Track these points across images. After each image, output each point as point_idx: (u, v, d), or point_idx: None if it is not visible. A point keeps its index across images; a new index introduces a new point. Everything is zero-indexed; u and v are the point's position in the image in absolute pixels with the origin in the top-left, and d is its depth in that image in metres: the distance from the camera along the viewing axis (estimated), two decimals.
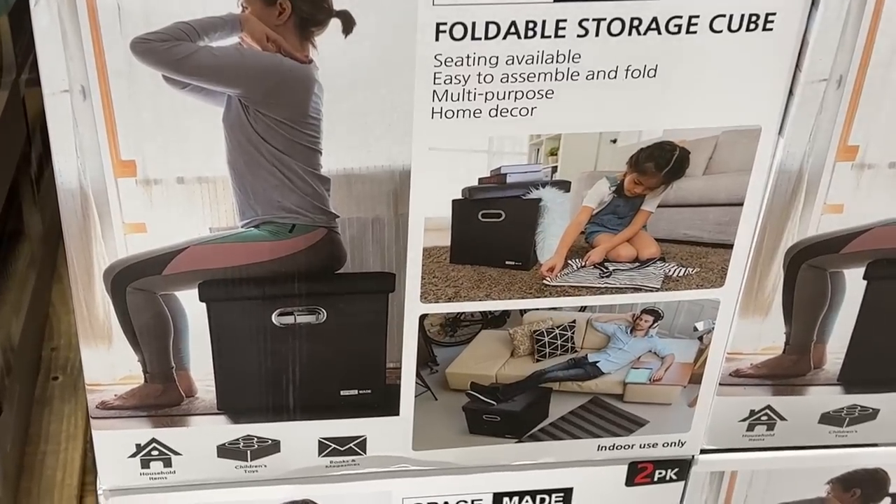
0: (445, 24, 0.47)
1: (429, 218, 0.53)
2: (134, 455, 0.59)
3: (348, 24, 0.46)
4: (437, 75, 0.48)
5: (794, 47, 0.50)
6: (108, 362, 0.55)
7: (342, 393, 0.58)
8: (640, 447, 0.63)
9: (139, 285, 0.53)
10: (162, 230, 0.52)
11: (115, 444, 0.59)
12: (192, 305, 0.54)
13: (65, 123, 0.48)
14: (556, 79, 0.49)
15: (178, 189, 0.50)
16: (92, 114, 0.48)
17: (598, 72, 0.49)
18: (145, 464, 0.59)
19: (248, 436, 0.59)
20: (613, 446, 0.63)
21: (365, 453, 0.61)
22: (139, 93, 0.47)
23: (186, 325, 0.55)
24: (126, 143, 0.49)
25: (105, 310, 0.54)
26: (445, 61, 0.48)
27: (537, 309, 0.57)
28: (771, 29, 0.49)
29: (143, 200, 0.50)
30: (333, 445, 0.60)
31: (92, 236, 0.51)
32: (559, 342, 0.59)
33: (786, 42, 0.50)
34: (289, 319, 0.55)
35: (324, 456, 0.61)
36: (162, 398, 0.57)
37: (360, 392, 0.58)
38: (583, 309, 0.57)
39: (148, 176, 0.50)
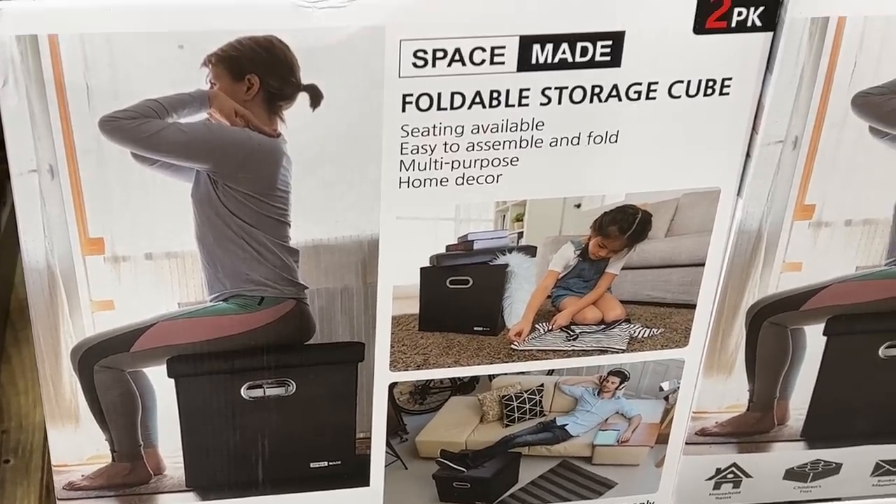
0: (412, 95, 0.48)
1: (397, 286, 0.53)
2: None
3: (316, 97, 0.47)
4: (404, 145, 0.49)
5: (750, 111, 0.52)
6: (75, 442, 0.55)
7: (312, 465, 0.59)
8: None
9: (107, 363, 0.53)
10: (130, 307, 0.52)
11: None
12: (160, 381, 0.54)
13: (32, 203, 0.48)
14: (520, 146, 0.50)
15: (146, 265, 0.51)
16: (60, 192, 0.48)
17: (562, 138, 0.50)
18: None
19: None
20: None
21: None
22: (107, 170, 0.48)
23: (154, 401, 0.55)
24: (94, 221, 0.49)
25: (72, 389, 0.54)
26: (412, 132, 0.49)
27: (506, 374, 0.58)
28: (727, 94, 0.51)
29: (111, 277, 0.51)
30: None
31: (59, 315, 0.51)
32: (528, 406, 0.59)
33: (742, 106, 0.51)
34: (258, 392, 0.56)
35: None
36: (130, 477, 0.57)
37: (331, 464, 0.59)
38: (550, 372, 0.58)
39: (116, 253, 0.50)
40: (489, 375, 0.58)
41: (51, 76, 0.45)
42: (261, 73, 0.46)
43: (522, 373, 0.58)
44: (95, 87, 0.46)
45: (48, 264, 0.50)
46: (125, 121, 0.46)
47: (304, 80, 0.47)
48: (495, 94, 0.49)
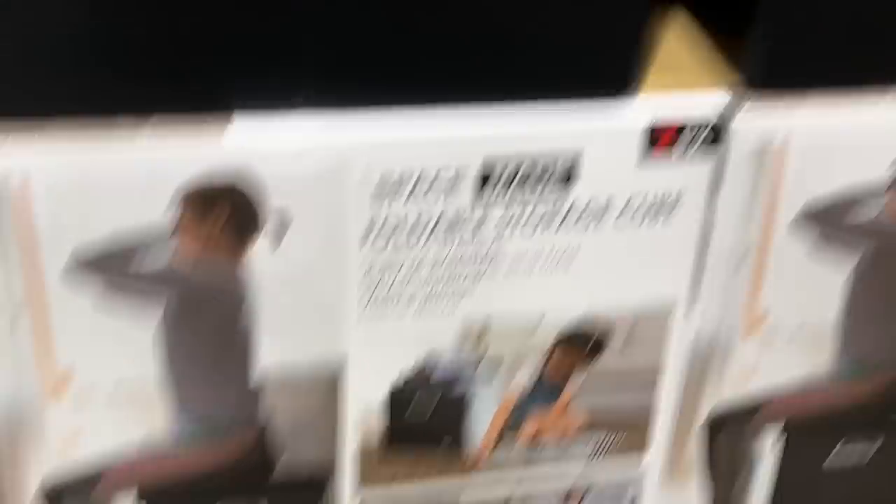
0: (376, 222, 0.49)
1: (362, 411, 0.54)
2: None
3: (283, 226, 0.48)
4: (367, 277, 0.50)
5: (700, 226, 0.53)
6: None
7: None
8: None
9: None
10: (94, 445, 0.52)
11: None
12: None
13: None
14: (480, 274, 0.52)
15: (110, 402, 0.51)
16: (25, 331, 0.48)
17: (520, 264, 0.52)
18: None
19: None
20: None
21: None
22: (72, 307, 0.48)
23: None
24: (59, 357, 0.49)
25: None
26: (373, 265, 0.50)
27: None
28: (679, 212, 0.53)
29: (75, 416, 0.51)
30: None
31: (20, 457, 0.51)
32: None
33: (693, 223, 0.53)
34: None
35: None
36: None
37: None
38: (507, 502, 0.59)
39: (80, 390, 0.50)
40: None
41: (18, 214, 0.46)
42: (228, 203, 0.47)
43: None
44: (62, 225, 0.46)
45: (9, 404, 0.50)
46: (91, 257, 0.47)
47: (272, 209, 0.48)
48: (456, 218, 0.50)
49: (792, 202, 0.53)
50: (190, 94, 0.46)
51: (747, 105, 0.51)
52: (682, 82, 0.51)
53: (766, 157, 0.52)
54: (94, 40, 0.44)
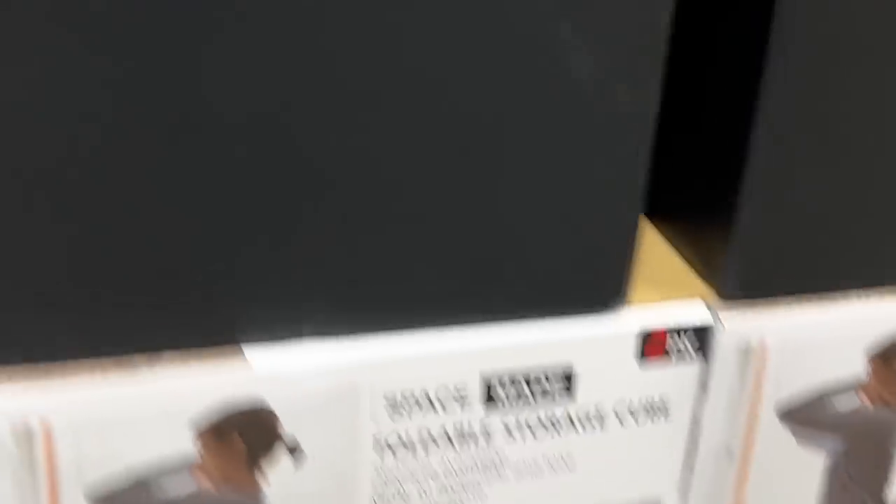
0: (386, 444, 0.51)
1: None
2: None
3: (296, 449, 0.50)
4: (378, 489, 0.52)
5: (688, 427, 0.56)
6: None
7: None
8: None
9: None
10: None
11: None
12: None
13: None
14: (486, 481, 0.54)
15: None
16: None
17: (524, 469, 0.54)
18: None
19: None
20: None
21: None
22: None
23: None
24: None
25: None
26: (387, 477, 0.52)
27: None
28: (668, 414, 0.55)
29: None
30: None
31: None
32: None
33: (682, 424, 0.56)
34: None
35: None
36: None
37: None
38: None
39: None
40: None
41: (41, 457, 0.47)
42: (244, 432, 0.49)
43: None
44: (85, 456, 0.47)
45: None
46: (111, 491, 0.48)
47: (285, 434, 0.49)
48: (463, 433, 0.52)
49: (772, 400, 0.56)
50: (200, 329, 0.48)
51: (727, 312, 0.54)
52: (665, 292, 0.55)
53: (747, 358, 0.55)
54: (104, 281, 0.46)
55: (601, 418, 0.54)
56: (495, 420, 0.52)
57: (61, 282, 0.45)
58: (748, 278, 0.54)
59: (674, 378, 0.55)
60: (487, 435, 0.53)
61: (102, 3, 0.41)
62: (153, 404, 0.48)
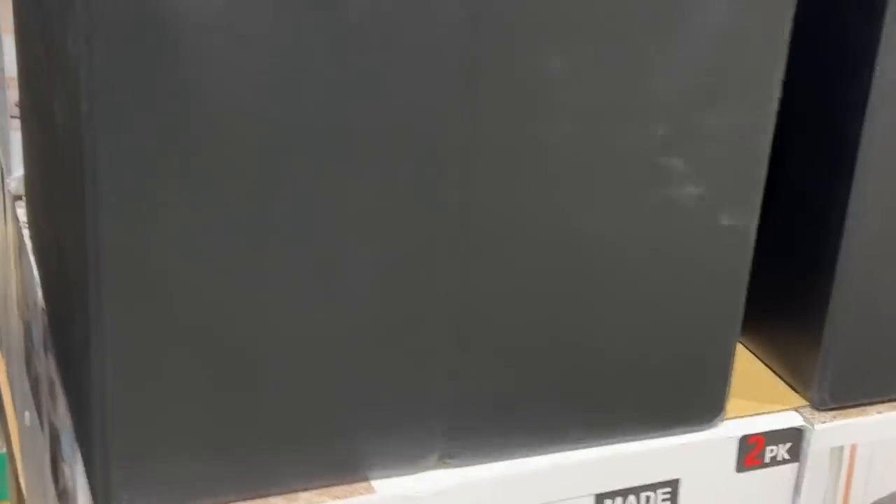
0: None
1: None
2: None
3: None
4: None
5: None
6: None
7: None
8: None
9: None
10: None
11: None
12: None
13: None
14: None
15: None
16: None
17: None
18: None
19: None
20: None
21: None
22: None
23: None
24: None
25: None
26: None
27: None
28: None
29: None
30: None
31: None
32: None
33: None
34: None
35: None
36: None
37: None
38: None
39: None
40: None
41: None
42: None
43: None
44: None
45: None
46: None
47: None
48: None
49: (861, 498, 0.59)
50: (332, 465, 0.51)
51: (818, 420, 0.57)
52: (759, 404, 0.57)
53: (837, 465, 0.58)
54: (253, 428, 0.48)
55: None
56: None
57: (217, 429, 0.48)
58: (837, 388, 0.58)
59: (770, 483, 0.57)
60: None
61: None
62: None
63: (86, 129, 0.43)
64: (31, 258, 0.66)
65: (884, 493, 0.60)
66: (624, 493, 0.55)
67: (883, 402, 0.59)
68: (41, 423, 0.68)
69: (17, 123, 0.69)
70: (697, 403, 0.55)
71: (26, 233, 0.68)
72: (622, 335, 0.52)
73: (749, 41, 0.49)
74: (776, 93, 0.50)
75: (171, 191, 0.44)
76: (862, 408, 0.58)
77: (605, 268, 0.51)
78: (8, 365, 0.98)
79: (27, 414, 0.76)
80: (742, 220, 0.52)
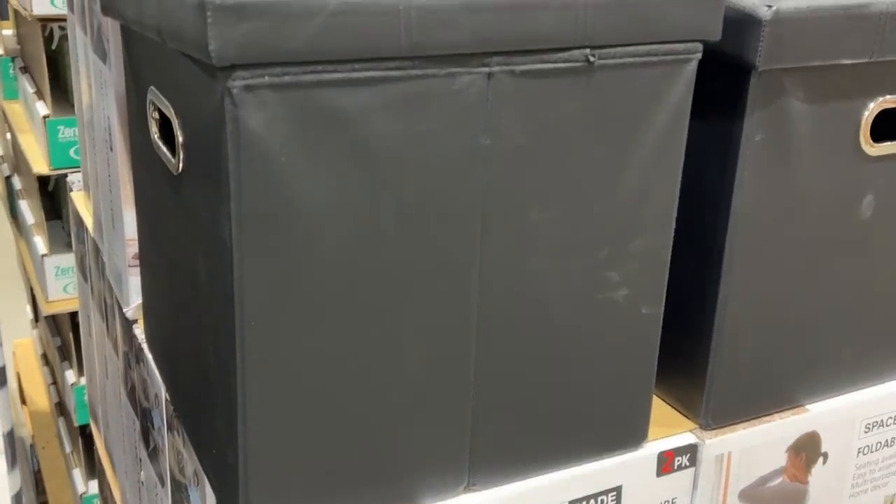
0: None
1: None
2: None
3: None
4: None
5: None
6: None
7: None
8: None
9: None
10: None
11: None
12: None
13: None
14: None
15: None
16: None
17: None
18: None
19: None
20: None
21: None
22: None
23: None
24: None
25: None
26: None
27: None
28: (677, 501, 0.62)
29: None
30: None
31: None
32: None
33: None
34: None
35: None
36: None
37: None
38: None
39: None
40: None
41: None
42: None
43: None
44: None
45: None
46: None
47: None
48: None
49: (735, 487, 0.64)
50: (393, 494, 0.53)
51: (705, 437, 0.62)
52: (668, 428, 0.62)
53: (719, 463, 0.63)
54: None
55: None
56: None
57: (327, 472, 0.51)
58: (716, 416, 0.63)
59: (678, 482, 0.61)
60: None
61: None
62: None
63: (235, 286, 0.46)
64: (153, 365, 0.67)
65: (749, 482, 0.64)
66: (586, 498, 0.59)
67: (745, 421, 0.64)
68: (161, 482, 0.69)
69: (132, 270, 0.70)
70: (630, 433, 0.60)
71: (144, 346, 0.70)
72: (582, 389, 0.57)
73: (656, 192, 0.54)
74: (672, 224, 0.56)
75: (295, 319, 0.47)
76: (733, 426, 0.63)
77: (569, 345, 0.56)
78: (106, 440, 0.98)
79: (142, 473, 0.76)
80: (655, 308, 0.57)
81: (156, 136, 0.55)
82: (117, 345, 0.83)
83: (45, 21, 1.12)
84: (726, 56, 0.55)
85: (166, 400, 0.65)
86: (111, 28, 0.65)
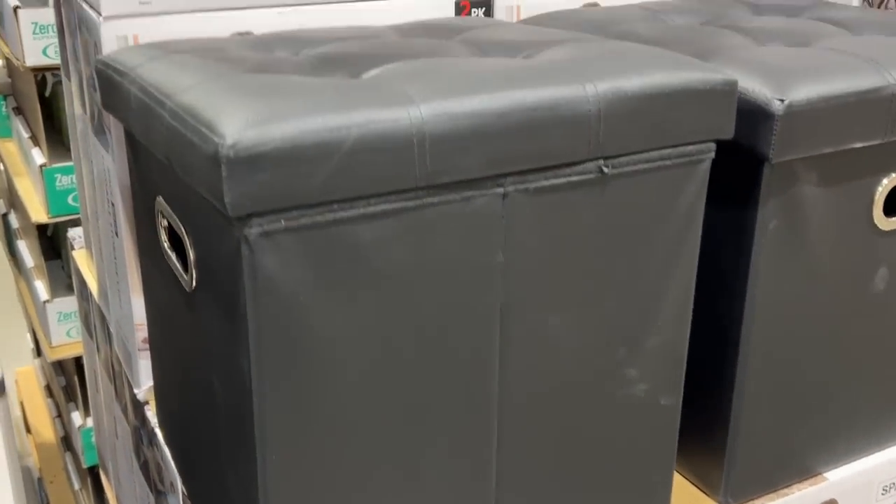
0: None
1: None
2: None
3: None
4: None
5: None
6: None
7: None
8: None
9: None
10: None
11: None
12: None
13: None
14: None
15: None
16: None
17: None
18: None
19: None
20: None
21: None
22: None
23: None
24: None
25: None
26: None
27: None
28: None
29: None
30: None
31: None
32: None
33: None
34: None
35: None
36: None
37: None
38: None
39: None
40: None
41: None
42: None
43: None
44: None
45: None
46: None
47: None
48: None
49: None
50: None
51: None
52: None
53: None
54: None
55: None
56: None
57: None
58: (735, 493, 0.63)
59: None
60: None
61: None
62: None
63: (255, 418, 0.46)
64: (167, 452, 0.67)
65: None
66: None
67: (765, 495, 0.64)
68: None
69: (143, 354, 0.70)
70: None
71: (157, 431, 0.69)
72: (604, 478, 0.57)
73: (672, 289, 0.54)
74: (689, 318, 0.56)
75: (315, 447, 0.47)
76: (752, 502, 0.64)
77: (590, 439, 0.56)
78: (118, 494, 0.98)
79: None
80: (674, 399, 0.57)
81: (166, 246, 0.54)
82: (127, 413, 0.82)
83: (37, 70, 1.11)
84: (739, 146, 0.54)
85: (183, 493, 0.65)
86: (114, 122, 0.64)
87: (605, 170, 0.48)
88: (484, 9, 0.73)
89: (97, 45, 0.63)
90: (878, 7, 0.80)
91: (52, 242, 1.44)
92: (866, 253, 0.61)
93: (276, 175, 0.41)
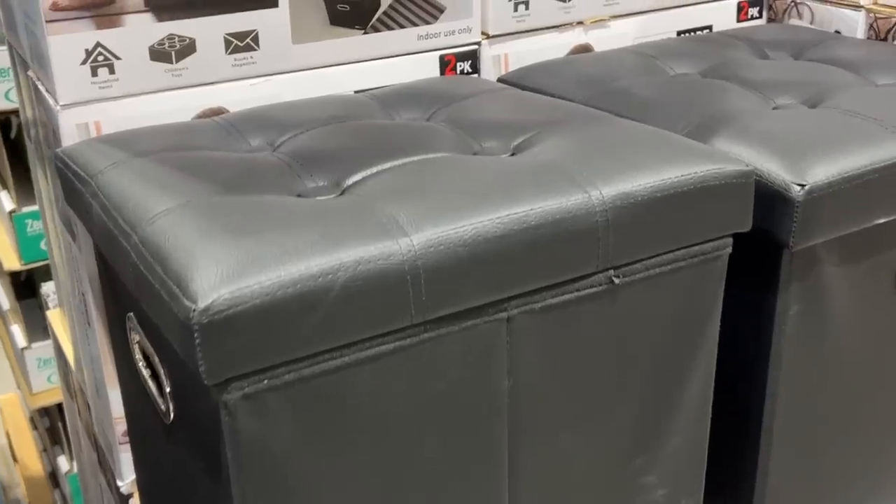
0: None
1: None
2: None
3: None
4: None
5: None
6: None
7: None
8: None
9: None
10: None
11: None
12: None
13: None
14: None
15: None
16: None
17: None
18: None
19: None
20: None
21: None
22: None
23: None
24: None
25: None
26: None
27: None
28: None
29: None
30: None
31: None
32: None
33: None
34: None
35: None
36: None
37: None
38: None
39: None
40: None
41: None
42: None
43: None
44: None
45: None
46: None
47: None
48: None
49: None
50: None
51: None
52: None
53: None
54: None
55: None
56: None
57: None
58: None
59: None
60: None
61: None
62: None
63: None
64: None
65: None
66: None
67: None
68: None
69: (123, 447, 0.66)
70: None
71: None
72: None
73: (690, 392, 0.51)
74: (708, 418, 0.52)
75: None
76: None
77: None
78: None
79: None
80: (695, 499, 0.54)
81: (140, 365, 0.50)
82: (112, 489, 0.79)
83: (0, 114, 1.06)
84: (758, 232, 0.51)
85: None
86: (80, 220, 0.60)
87: (616, 280, 0.44)
88: (470, 61, 0.69)
89: (56, 133, 0.58)
90: (886, 37, 0.75)
91: (28, 282, 1.39)
92: (889, 323, 0.58)
93: (255, 335, 0.37)
